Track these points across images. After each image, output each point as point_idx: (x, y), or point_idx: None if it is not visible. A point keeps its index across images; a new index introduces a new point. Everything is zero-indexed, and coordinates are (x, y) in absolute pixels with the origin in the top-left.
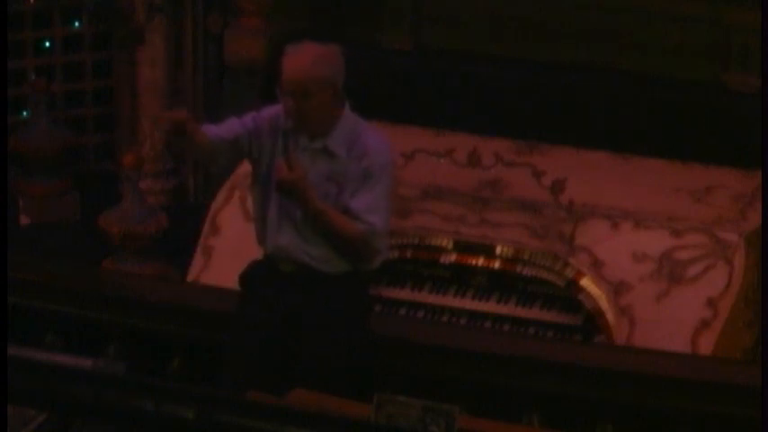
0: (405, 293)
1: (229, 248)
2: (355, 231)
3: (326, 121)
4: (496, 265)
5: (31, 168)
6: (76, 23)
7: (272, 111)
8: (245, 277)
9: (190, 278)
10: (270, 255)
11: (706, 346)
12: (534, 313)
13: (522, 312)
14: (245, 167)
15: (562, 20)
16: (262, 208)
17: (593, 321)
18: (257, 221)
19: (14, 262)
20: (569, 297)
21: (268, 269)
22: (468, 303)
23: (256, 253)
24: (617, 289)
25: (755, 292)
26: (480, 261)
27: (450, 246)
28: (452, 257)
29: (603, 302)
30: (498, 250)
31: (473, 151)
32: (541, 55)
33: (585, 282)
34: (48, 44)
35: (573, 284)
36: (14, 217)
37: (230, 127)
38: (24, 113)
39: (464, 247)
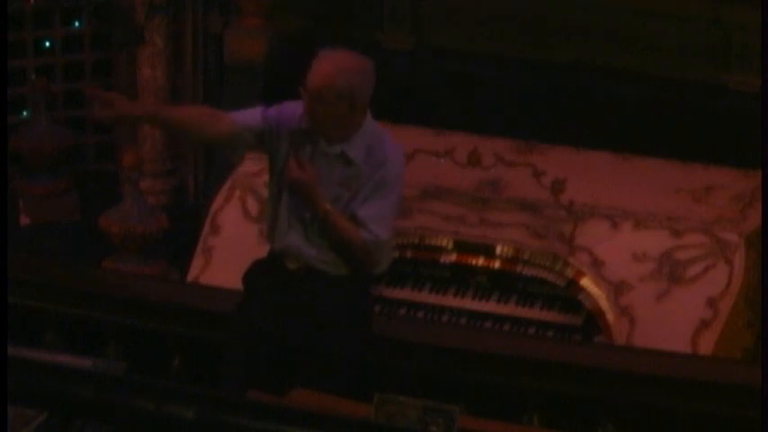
0: (405, 293)
1: (229, 248)
2: (359, 239)
3: (343, 130)
4: (496, 265)
5: (31, 168)
6: (76, 23)
7: (293, 107)
8: (248, 277)
9: (190, 278)
10: (276, 252)
11: (706, 346)
12: (534, 313)
13: (522, 312)
14: (246, 167)
15: (562, 20)
16: (273, 205)
17: (593, 321)
18: (267, 218)
19: (14, 262)
20: (569, 297)
21: (271, 267)
22: (468, 303)
23: (256, 253)
24: (617, 289)
25: (755, 292)
26: (480, 261)
27: (450, 246)
28: (452, 257)
29: (603, 302)
30: (498, 250)
31: (473, 151)
32: (542, 55)
33: (585, 282)
34: (48, 44)
35: (573, 284)
36: (14, 217)
37: (254, 116)
38: (24, 113)
39: (464, 247)
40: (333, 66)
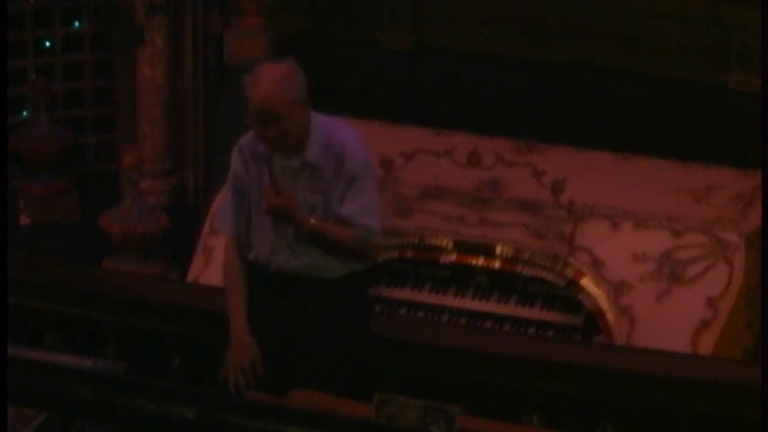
0: (405, 293)
1: None
2: (353, 238)
3: (301, 137)
4: (496, 265)
5: (31, 168)
6: (76, 23)
7: (247, 139)
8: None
9: (190, 278)
10: (268, 271)
11: (706, 346)
12: (534, 313)
13: (522, 312)
14: None
15: (562, 20)
16: (255, 231)
17: (593, 321)
18: (251, 244)
19: (14, 262)
20: (569, 297)
21: (265, 275)
22: (468, 303)
23: None
24: (617, 289)
25: (755, 292)
26: (480, 261)
27: (450, 246)
28: (452, 257)
29: (603, 302)
30: (498, 250)
31: (473, 151)
32: (542, 55)
33: (585, 282)
34: (48, 44)
35: (573, 284)
36: (15, 217)
37: (230, 217)
38: (24, 113)
39: (464, 247)
40: (269, 82)
